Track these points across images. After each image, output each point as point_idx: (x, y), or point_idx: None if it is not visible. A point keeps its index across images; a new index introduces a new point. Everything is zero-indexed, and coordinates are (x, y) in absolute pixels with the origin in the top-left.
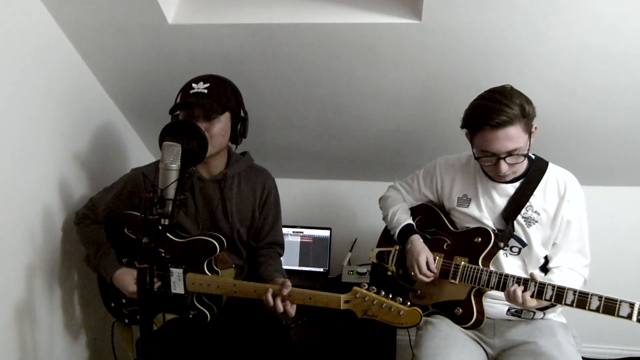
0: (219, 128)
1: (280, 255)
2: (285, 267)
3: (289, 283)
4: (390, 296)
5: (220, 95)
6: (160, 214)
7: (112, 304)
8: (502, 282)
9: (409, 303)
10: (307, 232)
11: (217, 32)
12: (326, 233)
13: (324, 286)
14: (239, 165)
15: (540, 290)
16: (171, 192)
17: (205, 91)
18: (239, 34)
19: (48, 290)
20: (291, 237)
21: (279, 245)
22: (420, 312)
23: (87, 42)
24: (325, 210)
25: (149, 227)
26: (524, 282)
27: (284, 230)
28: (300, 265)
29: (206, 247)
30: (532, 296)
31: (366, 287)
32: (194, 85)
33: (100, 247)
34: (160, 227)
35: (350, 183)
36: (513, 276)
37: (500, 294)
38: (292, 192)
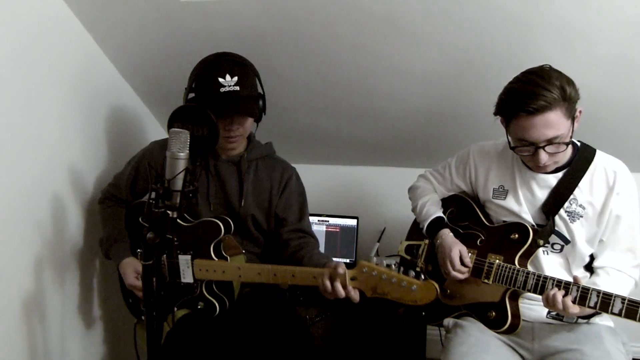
0: (251, 121)
1: (317, 245)
2: None
3: (341, 265)
4: (402, 270)
5: (251, 88)
6: (167, 206)
7: (130, 300)
8: (541, 285)
9: (422, 277)
10: (333, 220)
11: (229, 7)
12: (353, 222)
13: None
14: (258, 151)
15: (583, 296)
16: (179, 183)
17: (237, 88)
18: (253, 9)
19: (60, 282)
20: (316, 226)
21: (311, 236)
22: (436, 285)
23: (98, 22)
24: (352, 198)
25: (154, 220)
26: (565, 286)
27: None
28: None
29: (211, 229)
30: (574, 302)
31: (375, 260)
32: (221, 80)
33: (115, 232)
34: (166, 221)
35: (379, 169)
36: (553, 278)
37: (539, 297)
38: (316, 178)
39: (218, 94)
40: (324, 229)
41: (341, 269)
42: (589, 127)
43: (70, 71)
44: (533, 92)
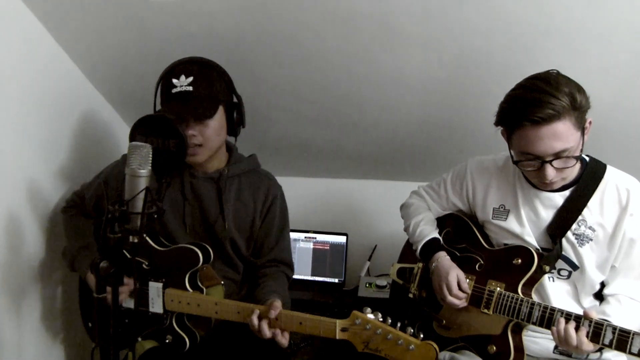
0: (214, 128)
1: (289, 277)
2: (296, 276)
3: (277, 304)
4: (399, 325)
5: (209, 89)
6: (126, 230)
7: (90, 324)
8: (548, 318)
9: (421, 336)
10: (320, 237)
11: (206, 6)
12: (342, 239)
13: (338, 301)
14: (240, 166)
15: (596, 332)
16: (139, 204)
17: (190, 88)
18: (232, 9)
19: (19, 296)
20: (303, 244)
21: (286, 264)
22: (436, 347)
23: (57, 20)
24: (342, 214)
25: (109, 248)
26: (576, 320)
27: (295, 235)
28: (312, 275)
29: (188, 257)
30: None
31: (369, 312)
32: (174, 81)
33: (79, 241)
34: (125, 247)
35: (370, 182)
36: (561, 311)
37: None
38: (304, 192)
39: (170, 96)
40: (311, 247)
41: (273, 312)
42: (597, 139)
43: (29, 75)
44: (539, 99)
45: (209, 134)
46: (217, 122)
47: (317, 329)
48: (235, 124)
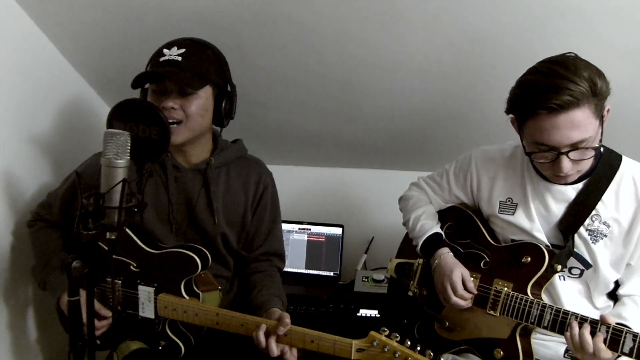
0: (198, 106)
1: (281, 270)
2: (289, 269)
3: (287, 320)
4: (419, 348)
5: (199, 64)
6: (101, 226)
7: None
8: (560, 322)
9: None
10: (315, 229)
11: None
12: (338, 231)
13: (333, 296)
14: (227, 154)
15: (614, 339)
16: (117, 198)
17: (179, 59)
18: None
19: None
20: (297, 235)
21: (278, 256)
22: None
23: (39, 2)
24: (337, 204)
25: (81, 246)
26: (591, 324)
27: (288, 226)
28: (307, 268)
29: (185, 264)
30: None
31: (387, 333)
32: (165, 51)
33: (51, 257)
34: (102, 245)
35: (367, 172)
36: (575, 314)
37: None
38: (298, 182)
39: (156, 64)
40: (306, 238)
41: (282, 328)
42: (612, 128)
43: (5, 58)
44: (556, 85)
45: (191, 112)
46: (202, 100)
47: (330, 349)
48: (223, 114)
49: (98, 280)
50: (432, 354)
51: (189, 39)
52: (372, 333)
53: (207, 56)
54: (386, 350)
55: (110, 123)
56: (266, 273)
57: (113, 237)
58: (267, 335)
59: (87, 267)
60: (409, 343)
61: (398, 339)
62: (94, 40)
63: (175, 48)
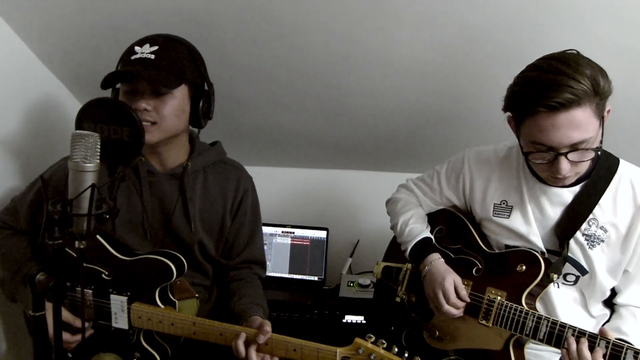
0: (173, 107)
1: (261, 277)
2: (272, 274)
3: (268, 327)
4: (407, 355)
5: (173, 62)
6: (69, 235)
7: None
8: (557, 335)
9: None
10: (299, 232)
11: None
12: (322, 234)
13: (318, 301)
14: (205, 157)
15: (614, 355)
16: (85, 204)
17: (152, 56)
18: None
19: None
20: (280, 239)
21: (258, 264)
22: None
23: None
24: (322, 207)
25: (47, 257)
26: (590, 339)
27: (271, 230)
28: (290, 273)
29: (159, 270)
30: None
31: (373, 340)
32: (136, 48)
33: (20, 268)
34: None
35: (352, 173)
36: (573, 328)
37: None
38: (280, 184)
39: (127, 62)
40: (289, 242)
41: (262, 337)
42: (608, 130)
43: None
44: (557, 82)
45: (166, 113)
46: (177, 101)
47: (314, 357)
48: (200, 114)
49: (65, 292)
50: None
51: (163, 35)
52: (357, 340)
53: (182, 53)
54: (372, 358)
55: (79, 124)
56: (246, 281)
57: (82, 246)
58: (247, 344)
59: (53, 280)
60: (396, 350)
61: (385, 346)
62: (65, 35)
63: (148, 45)
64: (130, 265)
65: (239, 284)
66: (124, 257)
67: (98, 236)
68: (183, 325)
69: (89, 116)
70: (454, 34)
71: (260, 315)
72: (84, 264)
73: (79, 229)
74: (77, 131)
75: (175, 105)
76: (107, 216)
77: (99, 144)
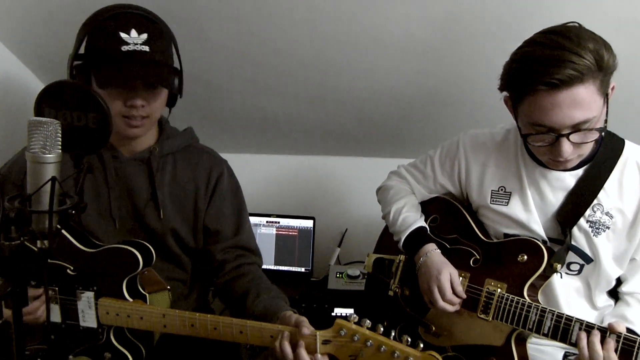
0: (163, 98)
1: (261, 267)
2: None
3: (305, 320)
4: (393, 335)
5: (164, 53)
6: (30, 234)
7: None
8: (562, 329)
9: (421, 345)
10: (284, 222)
11: None
12: (308, 223)
13: (306, 294)
14: (173, 142)
15: (626, 350)
16: (46, 199)
17: (147, 48)
18: None
19: None
20: (264, 229)
21: (251, 252)
22: (439, 358)
23: None
24: (308, 195)
25: (3, 260)
26: (599, 332)
27: (255, 220)
28: (276, 264)
29: (124, 260)
30: None
31: (357, 320)
32: (123, 36)
33: None
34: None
35: (340, 159)
36: (580, 321)
37: None
38: (264, 171)
39: (118, 54)
40: (274, 232)
41: (306, 329)
42: (611, 108)
43: None
44: (558, 57)
45: (157, 107)
46: (166, 92)
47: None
48: (175, 93)
49: (26, 298)
50: (409, 339)
51: (141, 15)
52: (339, 321)
53: (166, 38)
54: (356, 339)
55: (39, 110)
56: (253, 275)
57: (45, 245)
58: (295, 345)
59: (10, 285)
60: (381, 329)
61: (369, 326)
62: (27, 11)
63: (135, 32)
64: (94, 258)
65: (246, 280)
66: (88, 249)
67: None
68: (152, 318)
69: (49, 101)
70: (445, 9)
71: (291, 310)
72: (49, 261)
73: (40, 227)
74: (35, 118)
75: (164, 96)
76: (73, 211)
77: (60, 132)
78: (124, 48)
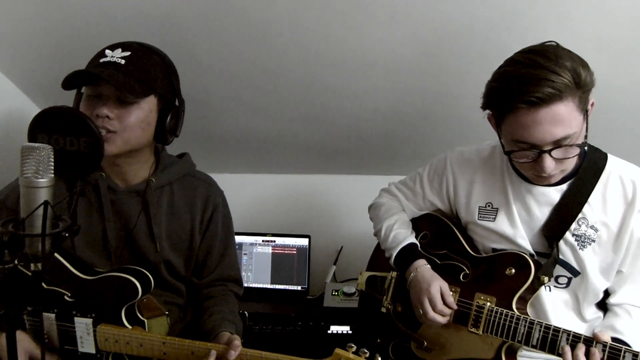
0: (137, 118)
1: (238, 296)
2: (253, 285)
3: (237, 342)
4: None
5: (144, 70)
6: (23, 257)
7: None
8: (551, 340)
9: None
10: (280, 240)
11: None
12: (304, 242)
13: (302, 312)
14: (171, 172)
15: (612, 359)
16: (38, 223)
17: (122, 61)
18: None
19: None
20: (260, 248)
21: (232, 281)
22: None
23: None
24: (303, 214)
25: None
26: (586, 343)
27: (251, 239)
28: (272, 283)
29: (123, 289)
30: None
31: (354, 350)
32: (107, 52)
33: None
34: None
35: (333, 178)
36: (567, 332)
37: None
38: (259, 191)
39: (95, 64)
40: (270, 251)
41: (232, 353)
42: (592, 123)
43: None
44: (536, 76)
45: (129, 123)
46: (143, 112)
47: None
48: (166, 130)
49: (20, 321)
50: None
51: (139, 42)
52: (338, 350)
53: (156, 63)
54: None
55: (32, 136)
56: (219, 298)
57: (38, 268)
58: None
59: (3, 308)
60: (379, 359)
61: (367, 355)
62: (25, 42)
63: (120, 50)
64: (93, 285)
65: (210, 301)
66: (86, 276)
67: (58, 255)
68: (152, 345)
69: (42, 127)
70: (429, 29)
71: (230, 330)
72: (45, 286)
73: (33, 250)
74: (28, 144)
75: (140, 116)
76: (67, 234)
77: (52, 156)
78: (102, 60)
